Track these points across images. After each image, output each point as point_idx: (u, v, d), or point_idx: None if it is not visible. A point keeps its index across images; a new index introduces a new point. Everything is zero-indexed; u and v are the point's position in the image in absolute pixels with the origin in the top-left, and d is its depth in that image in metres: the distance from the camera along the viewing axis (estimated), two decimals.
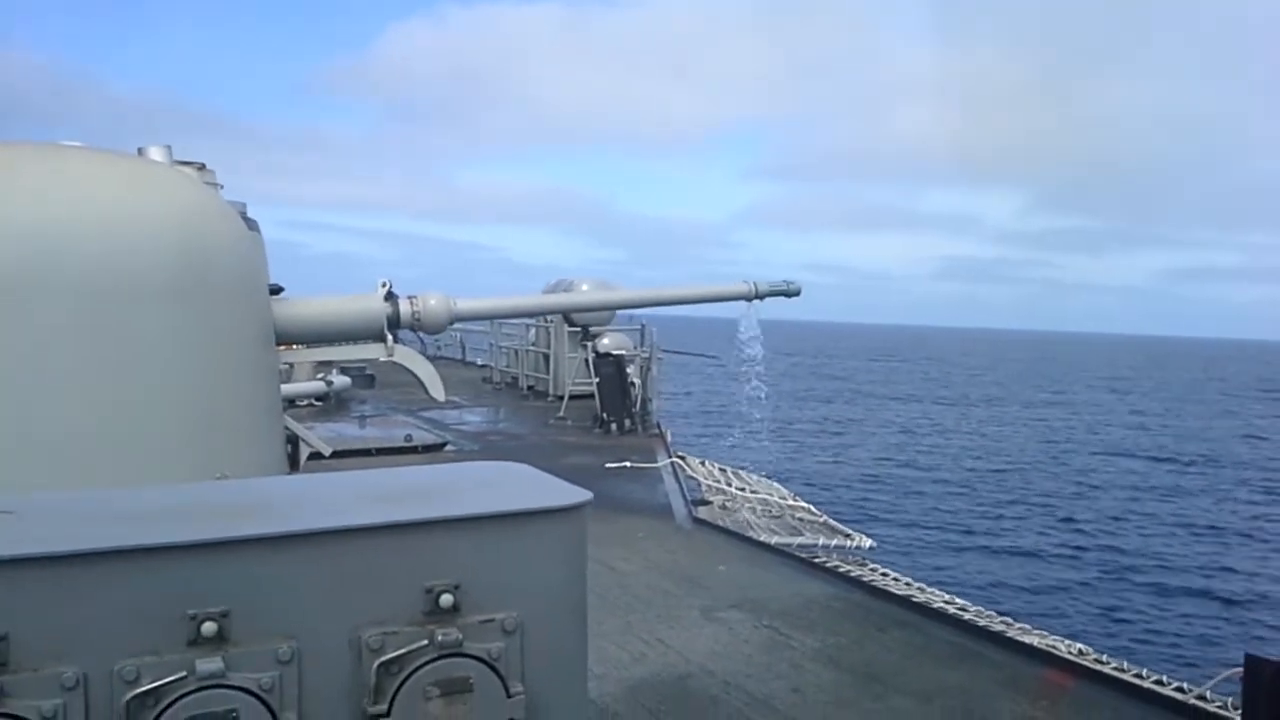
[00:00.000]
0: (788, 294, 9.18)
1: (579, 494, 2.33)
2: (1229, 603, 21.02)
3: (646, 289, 8.96)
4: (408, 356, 6.37)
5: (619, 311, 21.89)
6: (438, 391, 6.55)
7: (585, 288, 20.98)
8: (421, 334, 6.70)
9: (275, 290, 5.47)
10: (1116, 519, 29.66)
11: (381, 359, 6.12)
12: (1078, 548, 25.54)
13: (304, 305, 5.75)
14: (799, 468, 37.58)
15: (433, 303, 6.36)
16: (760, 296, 8.97)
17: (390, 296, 6.12)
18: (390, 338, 6.04)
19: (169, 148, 5.30)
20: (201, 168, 5.71)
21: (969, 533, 27.80)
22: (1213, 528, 28.56)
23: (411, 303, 6.25)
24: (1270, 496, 34.38)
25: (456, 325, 28.44)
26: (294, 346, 6.39)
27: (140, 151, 5.13)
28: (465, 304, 6.76)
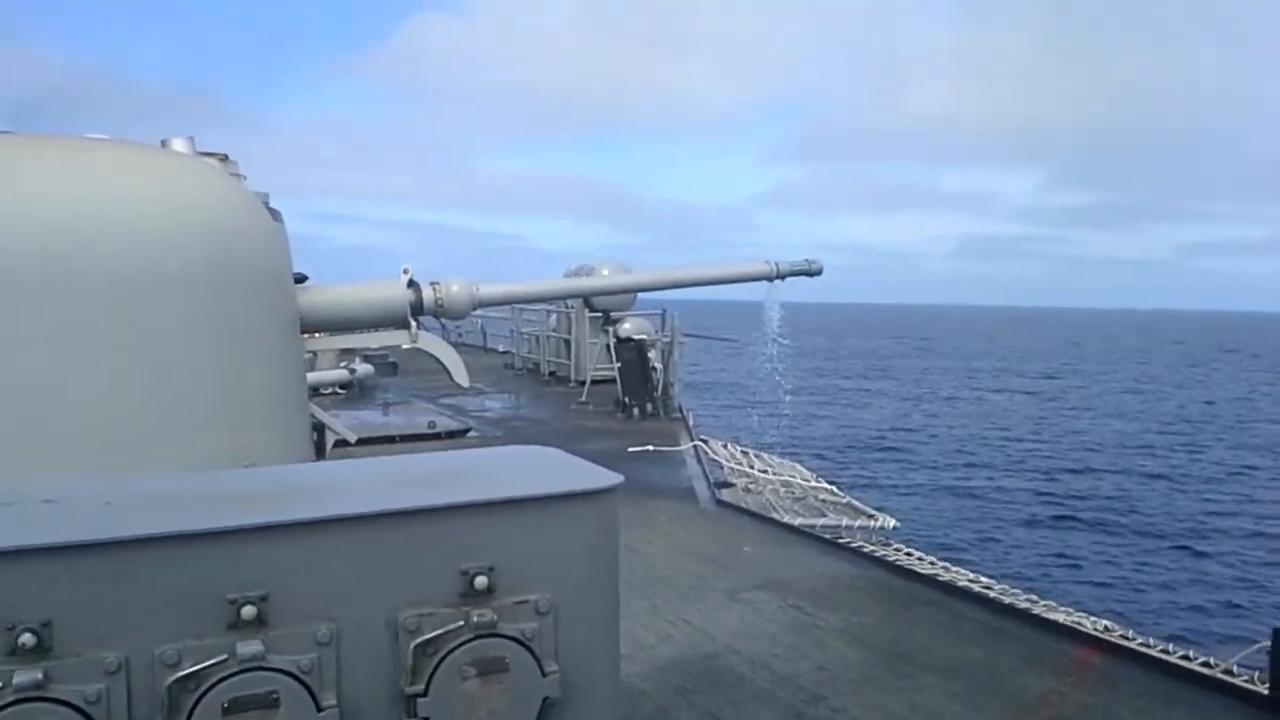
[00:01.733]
0: (809, 273, 9.13)
1: (610, 477, 2.35)
2: (1257, 576, 20.92)
3: (667, 270, 8.93)
4: (431, 343, 6.39)
5: (640, 296, 21.92)
6: (462, 377, 6.57)
7: (606, 272, 21.01)
8: (444, 320, 6.71)
9: (299, 279, 5.50)
10: (1141, 492, 29.55)
11: (405, 345, 6.15)
12: (1100, 524, 25.45)
13: (328, 293, 5.78)
14: (820, 441, 37.57)
15: (455, 289, 6.37)
16: (781, 276, 8.92)
17: (412, 283, 6.14)
18: (414, 324, 6.06)
19: (192, 139, 5.34)
20: (224, 159, 5.75)
21: (988, 505, 27.78)
22: (1238, 499, 28.40)
23: (434, 289, 6.27)
24: None
25: (478, 312, 28.38)
26: (318, 335, 6.42)
27: (163, 143, 5.16)
28: (487, 290, 6.77)
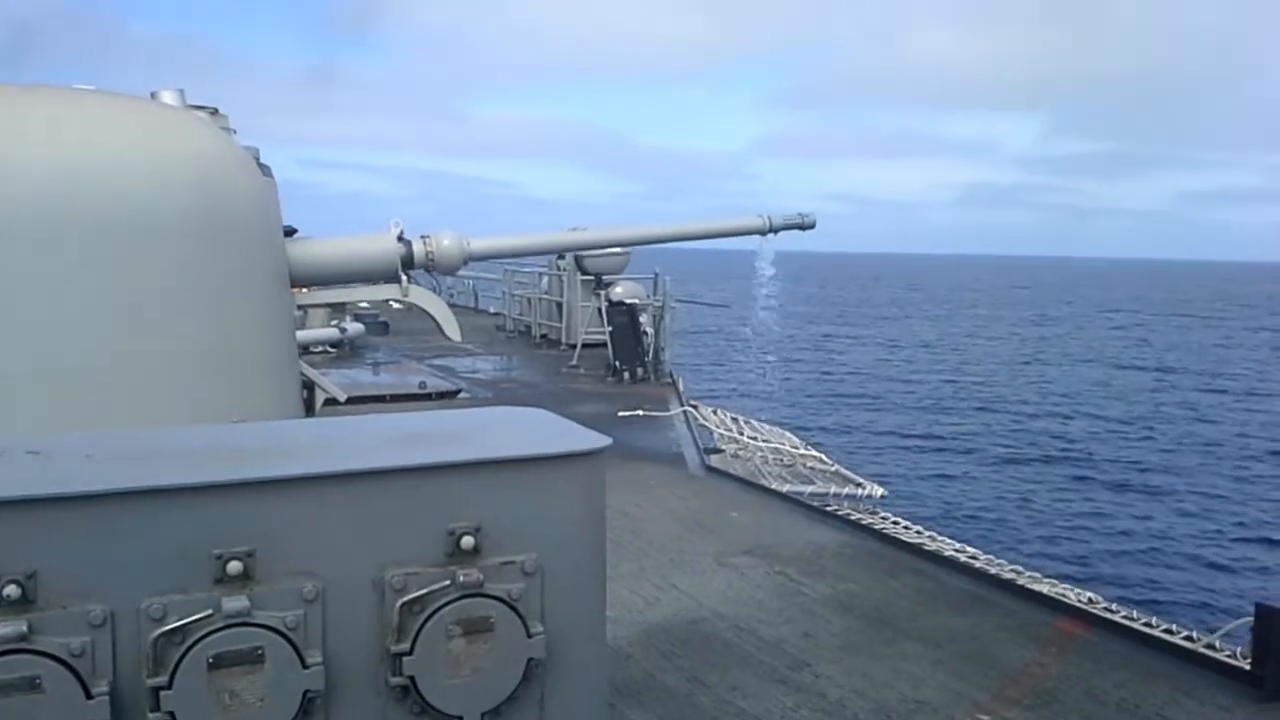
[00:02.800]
0: (802, 227, 9.07)
1: (598, 439, 2.34)
2: (1241, 550, 21.07)
3: (661, 225, 8.89)
4: (423, 297, 6.37)
5: (633, 259, 21.89)
6: (453, 331, 6.55)
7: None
8: (436, 275, 6.67)
9: (289, 232, 5.46)
10: (1129, 461, 29.68)
11: (396, 300, 6.11)
12: (1088, 496, 25.58)
13: (318, 246, 5.73)
14: (800, 394, 37.63)
15: (446, 242, 6.31)
16: (775, 230, 8.87)
17: (403, 238, 6.09)
18: (405, 278, 6.01)
19: (182, 91, 5.29)
20: (214, 112, 5.69)
21: (973, 464, 27.97)
22: (1226, 475, 28.54)
23: (425, 243, 6.21)
24: None
25: (469, 272, 28.10)
26: (309, 290, 6.39)
27: (153, 95, 5.11)
28: (479, 243, 6.71)
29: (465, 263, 6.68)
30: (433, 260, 6.25)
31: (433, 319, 6.46)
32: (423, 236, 6.25)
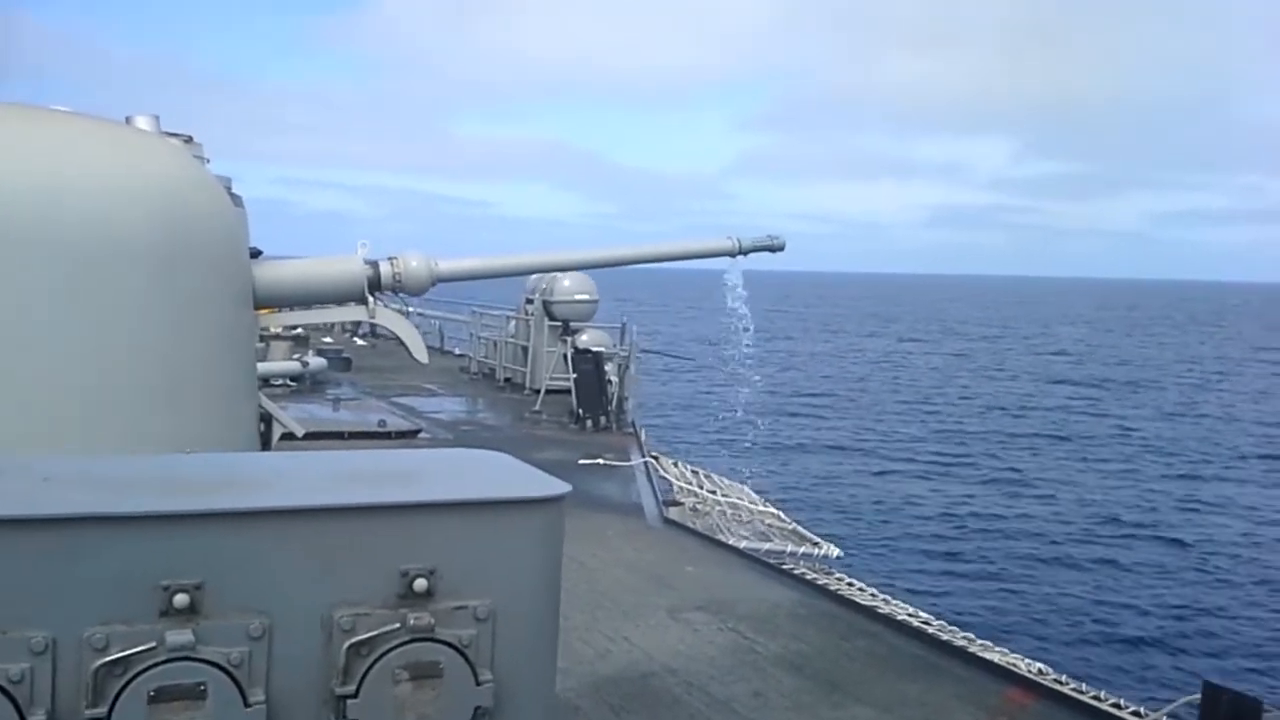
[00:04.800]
0: (772, 249, 9.12)
1: (558, 485, 2.33)
2: (1192, 625, 21.18)
3: (629, 246, 8.91)
4: (390, 318, 6.35)
5: (600, 309, 21.92)
6: (420, 353, 6.53)
7: (567, 284, 21.05)
8: (406, 300, 6.64)
9: (253, 254, 5.41)
10: (1082, 521, 29.86)
11: (364, 321, 6.08)
12: (1037, 559, 25.66)
13: (283, 268, 5.67)
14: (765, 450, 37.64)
15: (414, 264, 6.27)
16: (744, 252, 8.92)
17: (369, 259, 6.06)
18: (371, 300, 5.97)
19: (156, 117, 5.27)
20: (189, 140, 5.67)
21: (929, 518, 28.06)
22: (1179, 551, 28.77)
23: (392, 264, 6.17)
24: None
25: (436, 312, 27.94)
26: (277, 311, 6.34)
27: (128, 120, 5.09)
28: (447, 264, 6.68)
29: (433, 283, 6.64)
30: (400, 281, 6.22)
31: (400, 340, 6.43)
32: (390, 258, 6.21)
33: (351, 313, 6.05)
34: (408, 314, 6.94)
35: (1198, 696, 5.86)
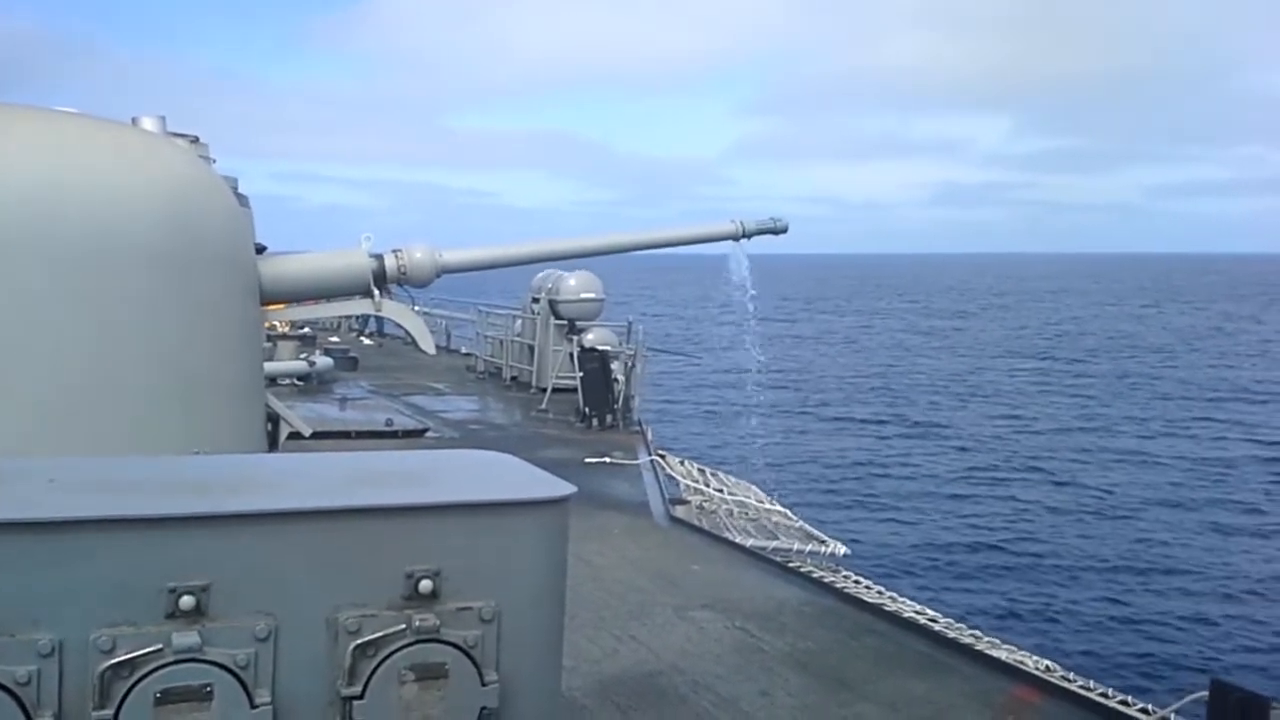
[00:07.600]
0: (775, 231, 9.12)
1: (563, 487, 2.33)
2: (1200, 622, 21.12)
3: (634, 232, 8.92)
4: (396, 311, 6.36)
5: (607, 308, 21.92)
6: (428, 345, 6.54)
7: (573, 283, 21.05)
8: (410, 290, 6.63)
9: (259, 249, 5.42)
10: (1090, 518, 29.75)
11: (370, 315, 6.10)
12: (1044, 555, 25.60)
13: (288, 263, 5.68)
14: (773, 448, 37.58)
15: (418, 255, 6.27)
16: (747, 235, 8.92)
17: (374, 252, 6.06)
18: (377, 293, 5.97)
19: (163, 118, 5.27)
20: (195, 140, 5.67)
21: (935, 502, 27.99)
22: (1190, 545, 28.68)
23: (397, 256, 6.16)
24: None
25: (443, 311, 27.88)
26: (285, 307, 6.35)
27: (134, 121, 5.10)
28: (451, 255, 6.68)
29: (438, 275, 6.65)
30: (405, 274, 6.22)
31: (407, 333, 6.43)
32: (394, 250, 6.21)
33: (357, 306, 6.06)
34: (414, 310, 6.94)
35: (1206, 694, 5.85)
